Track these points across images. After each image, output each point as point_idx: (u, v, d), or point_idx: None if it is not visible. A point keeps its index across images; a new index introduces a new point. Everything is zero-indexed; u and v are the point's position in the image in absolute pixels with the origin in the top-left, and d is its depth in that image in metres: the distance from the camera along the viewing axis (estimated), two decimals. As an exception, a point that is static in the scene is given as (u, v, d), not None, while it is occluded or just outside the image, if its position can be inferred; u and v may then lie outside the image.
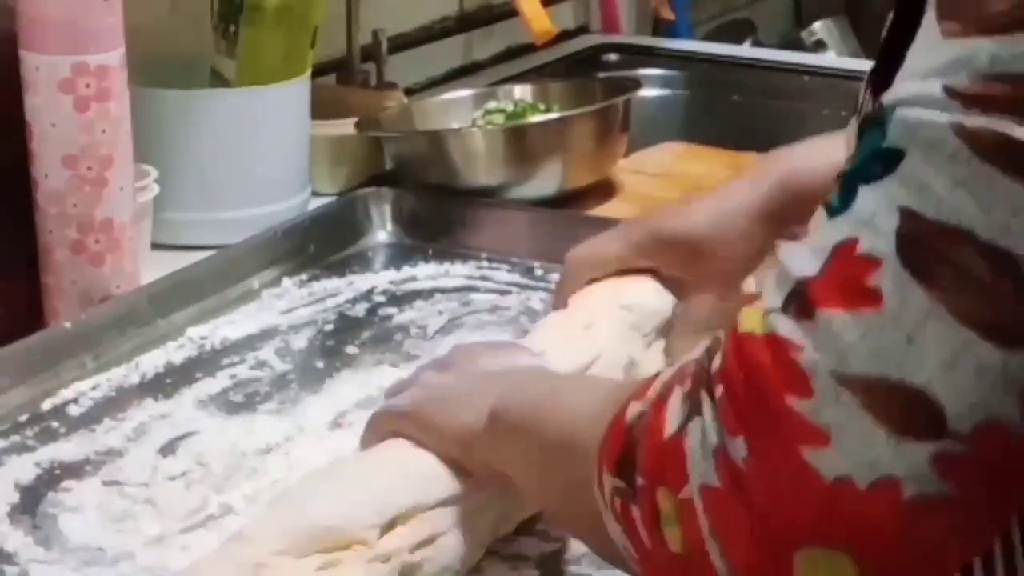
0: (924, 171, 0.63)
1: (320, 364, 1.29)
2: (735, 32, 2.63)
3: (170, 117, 1.50)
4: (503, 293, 1.45)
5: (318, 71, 1.66)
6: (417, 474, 0.96)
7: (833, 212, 0.66)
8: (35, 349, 1.23)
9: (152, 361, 1.28)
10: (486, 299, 1.44)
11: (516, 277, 1.49)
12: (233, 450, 1.12)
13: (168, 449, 1.14)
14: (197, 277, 1.39)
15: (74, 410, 1.20)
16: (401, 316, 1.39)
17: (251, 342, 1.33)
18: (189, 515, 1.03)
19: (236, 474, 1.09)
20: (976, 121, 0.62)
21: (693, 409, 0.68)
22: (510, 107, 1.78)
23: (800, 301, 0.65)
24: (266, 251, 1.47)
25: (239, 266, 1.44)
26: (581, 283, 1.20)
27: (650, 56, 2.32)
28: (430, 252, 1.53)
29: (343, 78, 1.86)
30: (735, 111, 2.23)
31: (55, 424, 1.17)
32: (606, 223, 1.56)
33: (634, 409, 0.73)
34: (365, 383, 1.24)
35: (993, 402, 0.62)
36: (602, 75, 2.20)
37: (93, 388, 1.23)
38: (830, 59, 2.58)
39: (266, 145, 1.54)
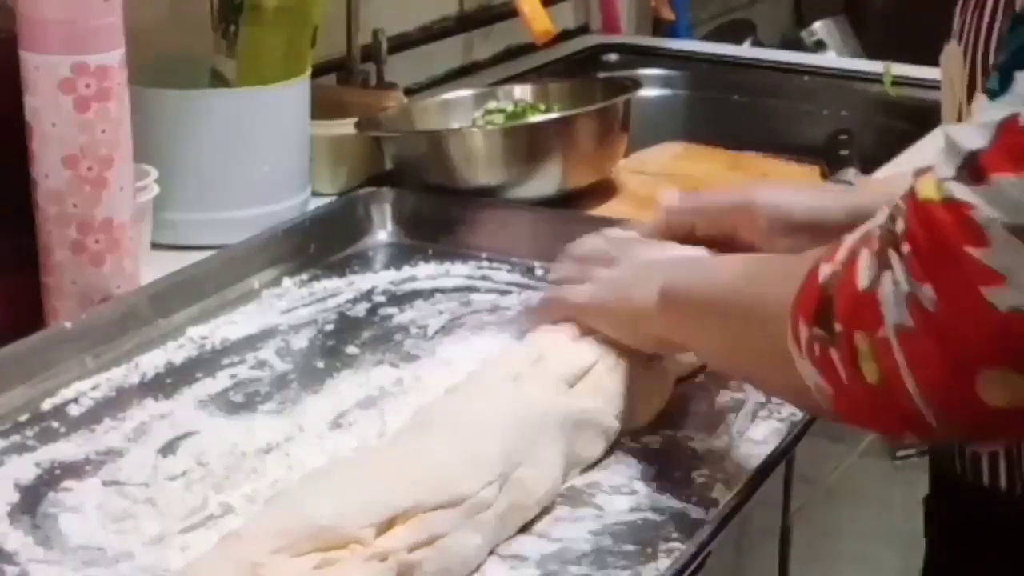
0: None
1: (320, 364, 1.29)
2: (735, 32, 2.63)
3: (170, 117, 1.50)
4: (503, 293, 1.45)
5: (318, 71, 1.66)
6: (417, 476, 0.96)
7: (994, 95, 0.79)
8: (35, 349, 1.23)
9: (152, 361, 1.28)
10: (486, 299, 1.44)
11: (516, 277, 1.49)
12: (233, 450, 1.12)
13: (168, 449, 1.13)
14: (197, 277, 1.39)
15: (74, 410, 1.20)
16: (401, 316, 1.39)
17: (251, 342, 1.33)
18: (189, 515, 1.03)
19: (236, 474, 1.09)
20: None
21: (883, 265, 0.81)
22: (510, 107, 1.78)
23: (972, 168, 0.78)
24: (266, 251, 1.47)
25: (239, 266, 1.44)
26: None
27: (650, 56, 2.32)
28: (430, 252, 1.53)
29: (343, 78, 1.86)
30: (735, 111, 2.23)
31: (55, 424, 1.17)
32: (606, 223, 1.57)
33: (825, 270, 0.85)
34: (365, 383, 1.24)
35: None
36: (602, 75, 2.20)
37: (93, 388, 1.23)
38: (830, 59, 2.58)
39: (266, 145, 1.54)
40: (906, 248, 0.80)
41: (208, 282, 1.39)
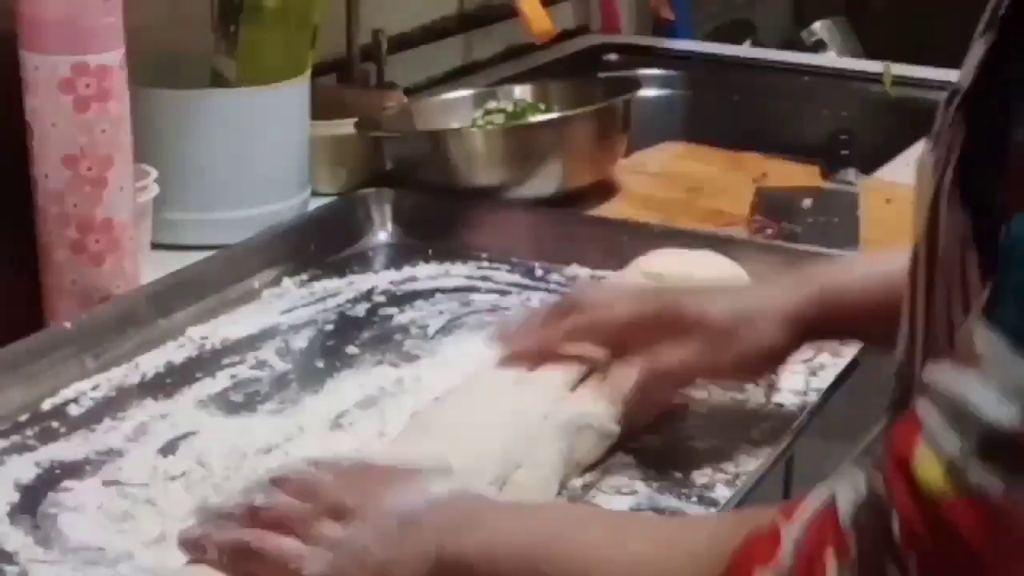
0: None
1: (320, 364, 1.29)
2: (735, 32, 2.63)
3: (170, 117, 1.50)
4: (503, 293, 1.45)
5: (318, 71, 1.66)
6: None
7: (1020, 340, 0.61)
8: (35, 349, 1.23)
9: (152, 361, 1.28)
10: (486, 299, 1.44)
11: (516, 277, 1.49)
12: (233, 450, 1.12)
13: (168, 449, 1.13)
14: (197, 277, 1.39)
15: (74, 410, 1.20)
16: (401, 316, 1.39)
17: (251, 342, 1.33)
18: (189, 515, 1.03)
19: (236, 474, 1.09)
20: None
21: None
22: (510, 107, 1.78)
23: (1009, 453, 0.60)
24: (266, 251, 1.47)
25: (239, 266, 1.44)
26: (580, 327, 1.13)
27: (650, 56, 2.32)
28: (430, 252, 1.53)
29: (343, 78, 1.86)
30: (735, 111, 2.23)
31: (55, 424, 1.17)
32: (606, 223, 1.57)
33: (762, 575, 0.68)
34: (365, 383, 1.24)
35: None
36: (602, 75, 2.20)
37: (93, 388, 1.23)
38: (830, 59, 2.58)
39: (266, 145, 1.54)
40: (914, 561, 0.62)
41: (208, 282, 1.39)
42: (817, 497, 0.69)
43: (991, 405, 0.60)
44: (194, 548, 0.91)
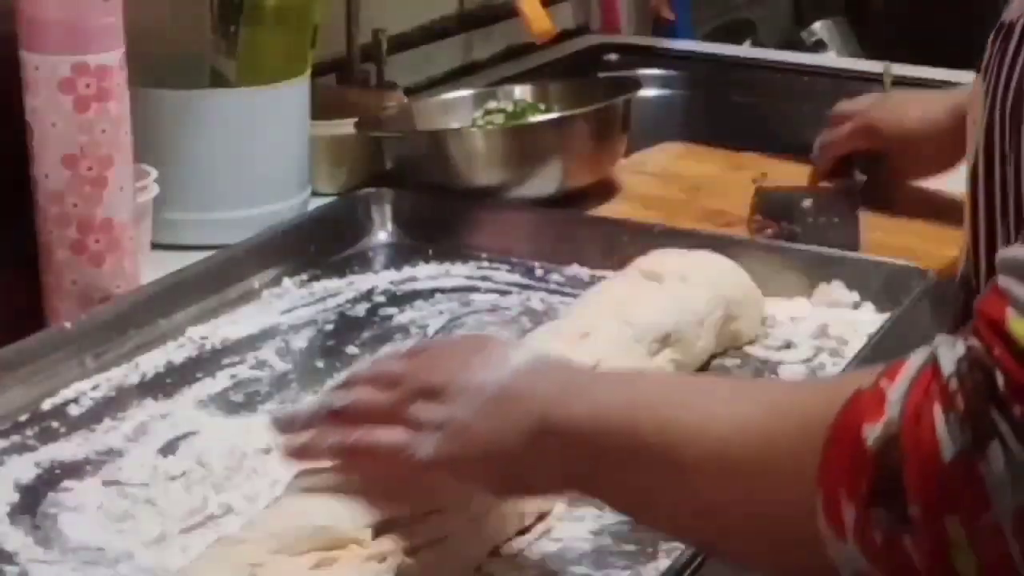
0: None
1: (320, 364, 1.29)
2: (735, 32, 2.63)
3: (170, 117, 1.50)
4: (503, 293, 1.45)
5: (318, 71, 1.66)
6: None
7: None
8: (35, 349, 1.23)
9: (152, 361, 1.28)
10: (486, 299, 1.44)
11: (516, 277, 1.49)
12: (233, 450, 1.12)
13: (168, 449, 1.13)
14: (197, 277, 1.39)
15: (74, 410, 1.20)
16: (401, 316, 1.39)
17: (251, 342, 1.33)
18: (189, 515, 1.03)
19: (236, 474, 1.09)
20: None
21: (983, 432, 0.66)
22: (510, 107, 1.78)
23: None
24: (266, 251, 1.47)
25: (239, 266, 1.44)
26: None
27: (650, 56, 2.32)
28: (430, 252, 1.53)
29: (343, 78, 1.86)
30: (735, 111, 2.23)
31: (55, 424, 1.17)
32: (606, 223, 1.57)
33: (873, 431, 0.70)
34: (365, 383, 1.24)
35: None
36: (602, 75, 2.20)
37: (93, 388, 1.23)
38: (830, 59, 2.58)
39: (266, 145, 1.53)
40: (1019, 410, 0.65)
41: (208, 282, 1.39)
42: (919, 357, 0.72)
43: None
44: (302, 456, 0.93)
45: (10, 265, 1.32)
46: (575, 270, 1.49)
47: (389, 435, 0.89)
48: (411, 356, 0.95)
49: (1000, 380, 0.66)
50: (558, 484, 0.87)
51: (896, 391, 0.70)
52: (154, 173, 1.42)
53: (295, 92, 1.57)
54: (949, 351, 0.70)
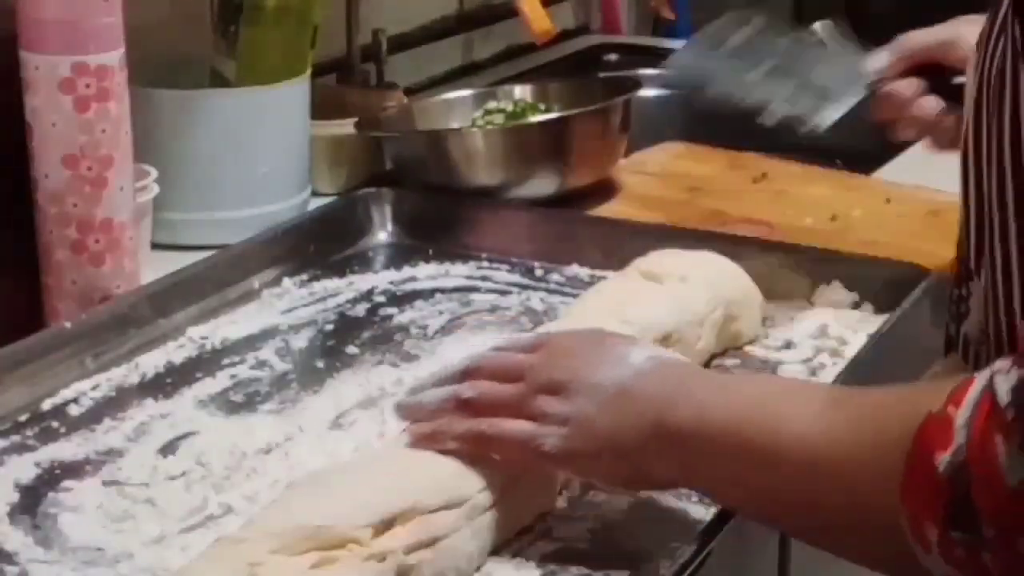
0: None
1: (320, 364, 1.29)
2: (735, 32, 2.62)
3: (170, 117, 1.50)
4: (503, 293, 1.45)
5: (318, 71, 1.66)
6: (416, 477, 0.96)
7: None
8: (35, 349, 1.23)
9: (152, 361, 1.28)
10: (486, 299, 1.44)
11: (516, 277, 1.49)
12: (233, 450, 1.12)
13: (168, 449, 1.13)
14: (197, 277, 1.39)
15: (74, 410, 1.20)
16: (401, 316, 1.39)
17: (251, 342, 1.33)
18: (189, 515, 1.03)
19: (236, 474, 1.09)
20: None
21: None
22: (510, 107, 1.78)
23: None
24: (266, 251, 1.47)
25: (239, 266, 1.44)
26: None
27: (650, 56, 2.32)
28: (430, 252, 1.53)
29: (343, 78, 1.86)
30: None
31: (55, 424, 1.17)
32: (606, 223, 1.57)
33: (944, 459, 0.73)
34: (365, 383, 1.24)
35: None
36: (602, 75, 2.20)
37: (93, 388, 1.23)
38: (830, 59, 2.57)
39: (266, 145, 1.54)
40: None
41: (208, 282, 1.39)
42: (982, 379, 0.74)
43: None
44: (431, 441, 0.97)
45: (10, 265, 1.32)
46: (575, 270, 1.49)
47: (518, 427, 0.95)
48: (533, 350, 0.99)
49: None
50: (674, 479, 0.93)
51: (961, 416, 0.74)
52: (154, 173, 1.42)
53: (295, 92, 1.57)
54: (1004, 379, 0.73)
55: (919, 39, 1.33)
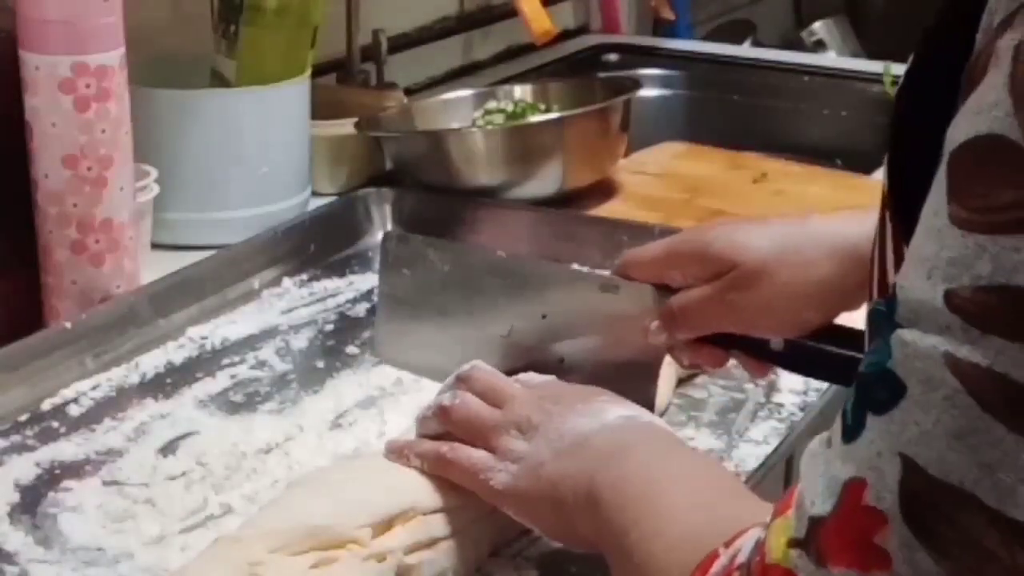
0: (924, 414, 0.57)
1: (320, 364, 1.29)
2: (735, 32, 2.63)
3: (170, 117, 1.50)
4: (503, 293, 1.45)
5: (318, 71, 1.66)
6: (415, 477, 0.96)
7: (847, 435, 0.61)
8: (35, 349, 1.23)
9: (152, 361, 1.28)
10: (486, 299, 1.44)
11: (516, 277, 1.49)
12: (233, 450, 1.12)
13: (168, 449, 1.13)
14: (197, 277, 1.39)
15: (74, 410, 1.20)
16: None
17: (251, 342, 1.33)
18: (189, 515, 1.03)
19: (236, 474, 1.09)
20: (974, 355, 0.55)
21: None
22: (510, 107, 1.78)
23: (815, 545, 0.61)
24: (266, 251, 1.47)
25: (239, 266, 1.44)
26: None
27: (650, 56, 2.32)
28: (430, 252, 1.53)
29: (343, 78, 1.86)
30: (735, 111, 2.23)
31: (55, 424, 1.17)
32: (606, 223, 1.57)
33: None
34: (365, 383, 1.24)
35: None
36: (602, 75, 2.20)
37: (93, 388, 1.23)
38: (830, 59, 2.58)
39: (266, 145, 1.54)
40: None
41: (208, 282, 1.39)
42: (757, 531, 0.70)
43: (816, 495, 0.62)
44: (398, 455, 0.98)
45: (10, 265, 1.32)
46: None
47: (475, 456, 0.95)
48: (527, 384, 1.00)
49: None
50: (592, 540, 0.87)
51: (719, 563, 0.70)
52: (154, 173, 1.42)
53: (295, 92, 1.57)
54: (755, 538, 0.68)
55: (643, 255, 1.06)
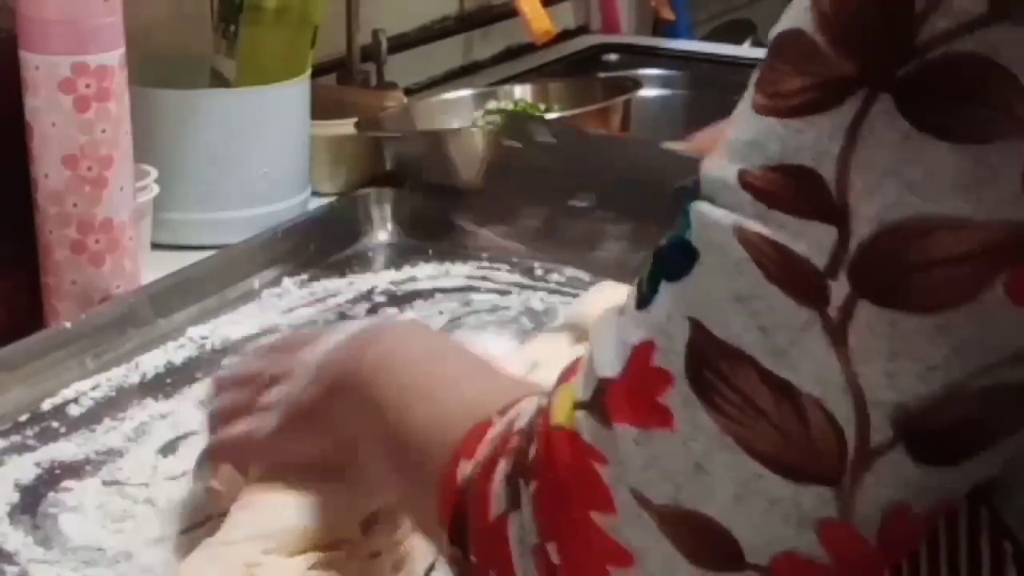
0: (714, 281, 0.59)
1: (320, 364, 1.29)
2: (735, 32, 2.63)
3: (170, 117, 1.50)
4: (503, 293, 1.45)
5: (318, 71, 1.66)
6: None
7: (641, 303, 0.62)
8: (35, 349, 1.23)
9: (152, 361, 1.28)
10: (486, 299, 1.44)
11: (516, 277, 1.49)
12: (233, 450, 1.12)
13: (168, 449, 1.14)
14: (197, 277, 1.39)
15: (74, 410, 1.20)
16: (401, 316, 1.39)
17: (251, 342, 1.33)
18: (189, 515, 1.03)
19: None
20: (760, 228, 0.58)
21: (513, 499, 0.66)
22: (510, 107, 1.78)
23: (600, 405, 0.62)
24: (266, 251, 1.47)
25: (239, 266, 1.44)
26: None
27: (650, 56, 2.32)
28: (430, 252, 1.53)
29: (343, 78, 1.86)
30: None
31: (55, 424, 1.17)
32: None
33: (465, 469, 0.70)
34: (365, 383, 1.24)
35: (788, 535, 0.58)
36: (602, 75, 2.20)
37: (93, 388, 1.23)
38: (830, 59, 2.57)
39: (266, 145, 1.54)
40: (533, 487, 0.64)
41: (208, 282, 1.39)
42: (524, 404, 0.71)
43: (607, 358, 0.63)
44: (197, 463, 0.99)
45: (10, 265, 1.32)
46: (575, 270, 1.49)
47: (238, 427, 0.92)
48: (266, 353, 0.97)
49: (532, 448, 0.65)
50: (354, 432, 0.84)
51: (494, 430, 0.71)
52: (154, 173, 1.42)
53: (295, 92, 1.57)
54: (535, 402, 0.69)
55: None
